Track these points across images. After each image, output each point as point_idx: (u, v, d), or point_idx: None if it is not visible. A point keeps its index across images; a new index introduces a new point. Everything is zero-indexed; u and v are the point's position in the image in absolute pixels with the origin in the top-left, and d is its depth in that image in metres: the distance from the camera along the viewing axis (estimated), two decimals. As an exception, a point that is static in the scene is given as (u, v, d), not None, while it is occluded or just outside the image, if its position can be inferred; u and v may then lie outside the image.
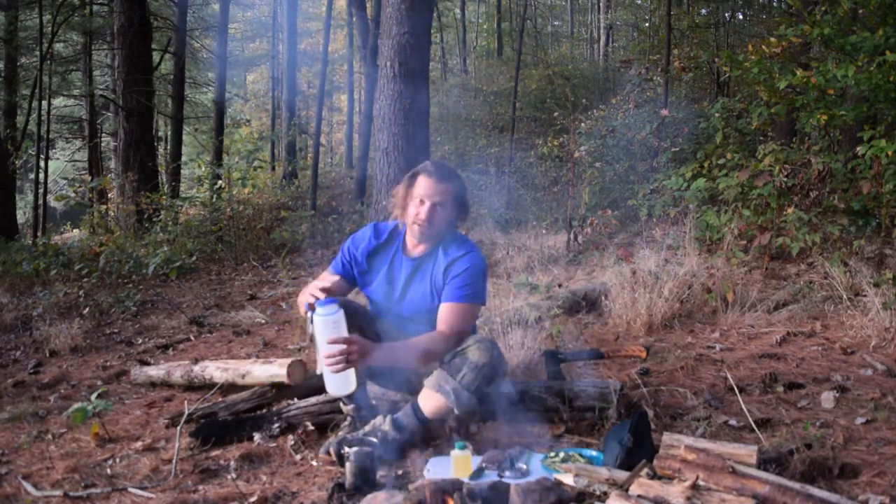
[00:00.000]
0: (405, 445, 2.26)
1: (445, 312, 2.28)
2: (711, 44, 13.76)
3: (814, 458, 1.94)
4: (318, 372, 2.15)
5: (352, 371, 2.09)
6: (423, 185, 2.32)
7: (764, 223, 5.09)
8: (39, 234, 10.45)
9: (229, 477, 2.19)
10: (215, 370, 3.07)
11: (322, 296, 2.14)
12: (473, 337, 2.25)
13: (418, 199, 2.32)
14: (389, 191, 6.29)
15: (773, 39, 5.86)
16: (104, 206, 11.11)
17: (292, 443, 2.41)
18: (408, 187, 2.37)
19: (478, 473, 2.04)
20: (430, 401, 2.22)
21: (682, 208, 6.29)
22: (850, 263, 4.23)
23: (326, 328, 2.06)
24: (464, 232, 7.03)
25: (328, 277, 2.48)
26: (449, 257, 2.34)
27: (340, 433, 2.38)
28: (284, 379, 2.79)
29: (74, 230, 11.90)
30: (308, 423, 2.53)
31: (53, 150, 16.44)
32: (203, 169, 9.09)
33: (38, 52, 11.84)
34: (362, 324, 2.36)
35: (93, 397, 2.69)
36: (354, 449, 2.04)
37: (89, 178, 11.70)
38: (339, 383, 2.10)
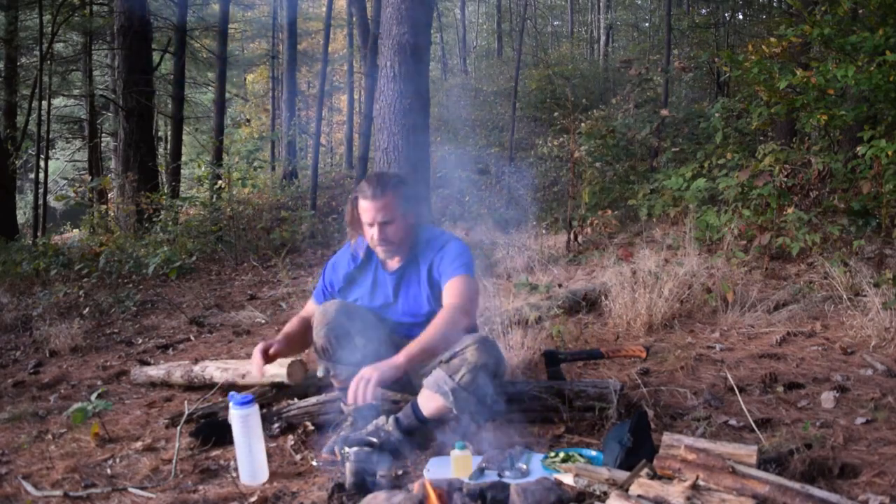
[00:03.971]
0: (405, 445, 2.26)
1: (450, 288, 2.26)
2: (711, 44, 13.76)
3: (814, 458, 1.94)
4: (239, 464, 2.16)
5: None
6: (364, 208, 2.30)
7: (764, 223, 5.09)
8: (39, 234, 10.45)
9: (229, 477, 2.19)
10: (215, 370, 3.07)
11: (259, 361, 2.25)
12: (473, 336, 2.25)
13: (366, 224, 2.31)
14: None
15: (773, 39, 5.86)
16: (104, 206, 11.11)
17: (292, 443, 2.41)
18: (354, 213, 2.36)
19: (478, 473, 2.04)
20: (430, 401, 2.22)
21: (682, 208, 6.30)
22: (850, 263, 4.23)
23: (237, 423, 2.14)
24: (464, 233, 7.03)
25: (310, 307, 2.53)
26: (428, 259, 2.34)
27: (341, 433, 2.38)
28: (284, 379, 2.79)
29: (74, 230, 11.90)
30: (308, 423, 2.53)
31: (53, 150, 16.43)
32: (203, 169, 9.10)
33: (38, 52, 11.84)
34: (369, 324, 2.36)
35: (93, 397, 2.69)
36: (354, 449, 2.04)
37: (89, 178, 11.69)
38: None
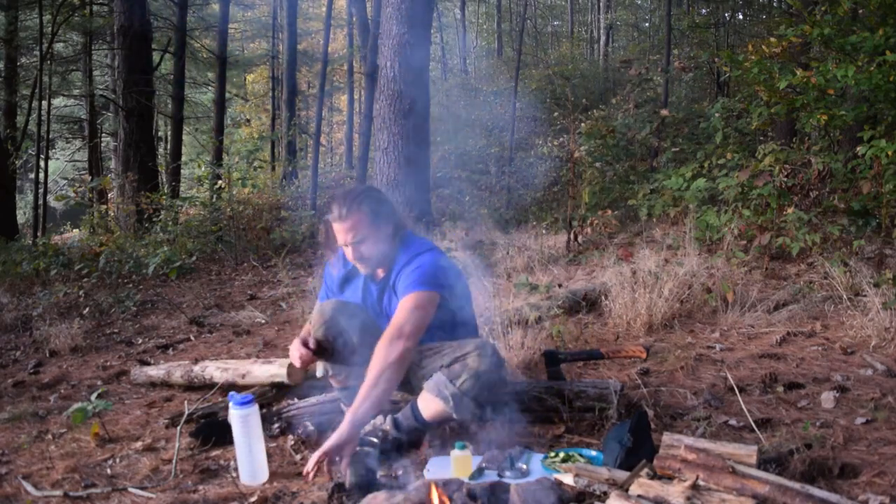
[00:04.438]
0: (405, 445, 2.26)
1: (397, 309, 2.23)
2: (711, 44, 13.77)
3: (814, 458, 1.94)
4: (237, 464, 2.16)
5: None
6: (336, 231, 2.29)
7: (764, 223, 5.09)
8: (39, 234, 10.45)
9: (229, 477, 2.19)
10: (215, 370, 3.07)
11: (302, 352, 2.28)
12: (474, 342, 2.24)
13: (341, 245, 2.31)
14: (390, 190, 6.30)
15: (773, 39, 5.86)
16: (104, 206, 11.11)
17: (292, 443, 2.41)
18: (329, 234, 2.35)
19: (478, 473, 2.04)
20: (430, 405, 2.22)
21: (682, 208, 6.30)
22: (850, 263, 4.24)
23: (237, 423, 2.14)
24: (464, 233, 7.03)
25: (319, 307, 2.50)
26: (395, 275, 2.33)
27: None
28: (284, 379, 2.79)
29: (74, 230, 11.90)
30: (308, 423, 2.53)
31: (53, 150, 16.44)
32: (203, 169, 9.10)
33: (38, 52, 11.85)
34: (366, 323, 2.37)
35: (93, 397, 2.69)
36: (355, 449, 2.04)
37: (89, 178, 11.70)
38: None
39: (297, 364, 2.33)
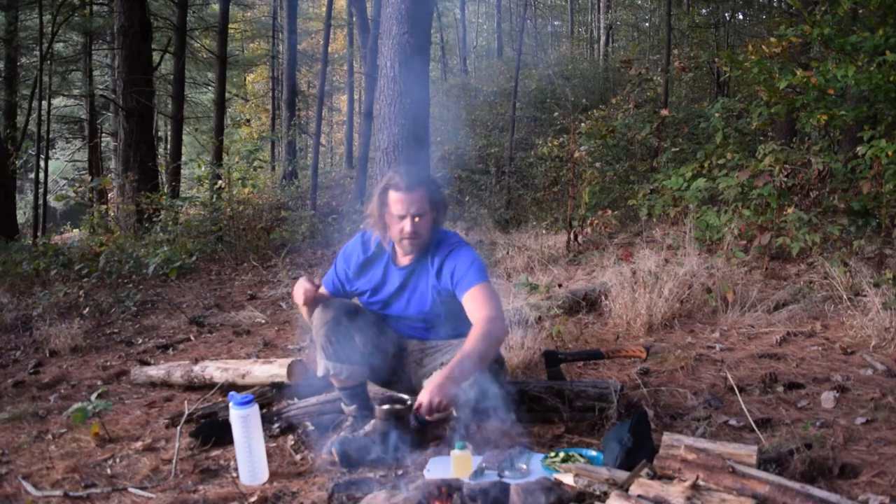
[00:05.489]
0: (405, 445, 2.26)
1: (475, 299, 2.22)
2: (711, 44, 13.77)
3: (814, 458, 1.94)
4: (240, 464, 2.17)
5: None
6: (397, 200, 2.25)
7: (764, 223, 5.09)
8: (39, 234, 10.45)
9: (229, 477, 2.19)
10: (215, 370, 3.08)
11: (307, 287, 2.29)
12: None
13: (397, 216, 2.27)
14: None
15: (773, 39, 5.86)
16: (104, 206, 11.11)
17: (292, 443, 2.41)
18: (382, 205, 2.31)
19: (478, 473, 2.04)
20: (430, 402, 2.22)
21: (682, 208, 6.30)
22: (850, 263, 4.24)
23: (237, 423, 2.14)
24: (464, 233, 7.04)
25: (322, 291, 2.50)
26: (438, 260, 2.33)
27: (341, 433, 2.38)
28: (284, 379, 2.79)
29: (74, 230, 11.90)
30: (308, 423, 2.53)
31: (53, 150, 16.43)
32: (203, 169, 9.10)
33: (38, 52, 11.85)
34: (369, 324, 2.36)
35: (93, 397, 2.70)
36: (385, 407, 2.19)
37: (89, 178, 11.70)
38: None
39: (300, 301, 2.32)
